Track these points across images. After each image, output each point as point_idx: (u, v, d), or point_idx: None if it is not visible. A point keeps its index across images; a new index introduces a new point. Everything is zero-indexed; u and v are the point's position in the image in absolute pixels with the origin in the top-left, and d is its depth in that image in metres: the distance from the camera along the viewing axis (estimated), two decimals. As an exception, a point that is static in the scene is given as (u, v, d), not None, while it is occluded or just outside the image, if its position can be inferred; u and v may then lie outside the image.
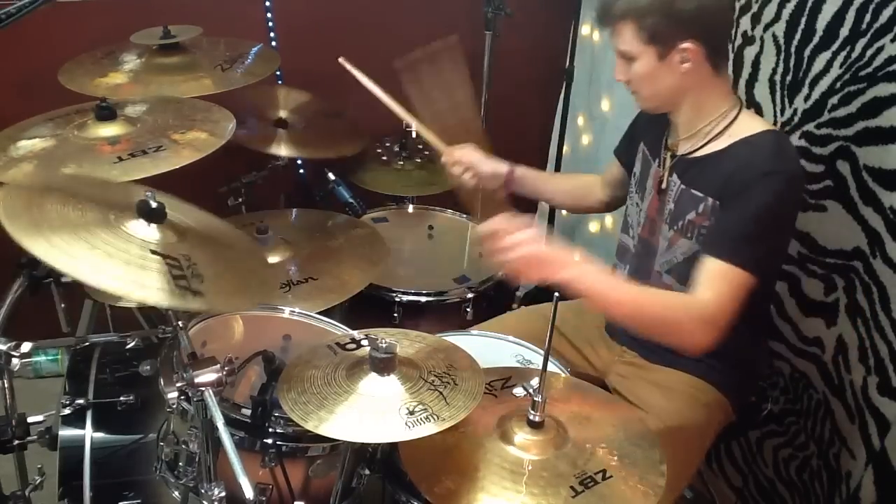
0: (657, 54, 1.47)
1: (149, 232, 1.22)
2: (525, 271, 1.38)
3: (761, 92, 1.93)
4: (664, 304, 1.47)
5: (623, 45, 1.50)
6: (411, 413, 1.21)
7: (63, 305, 1.89)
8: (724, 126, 1.54)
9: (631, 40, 1.48)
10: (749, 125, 1.53)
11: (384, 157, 2.48)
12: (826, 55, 1.74)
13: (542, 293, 2.61)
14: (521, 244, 1.37)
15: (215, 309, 1.13)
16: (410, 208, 2.43)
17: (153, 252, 1.18)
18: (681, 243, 1.59)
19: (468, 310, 2.07)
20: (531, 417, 1.28)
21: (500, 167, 1.93)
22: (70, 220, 1.17)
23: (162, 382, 1.22)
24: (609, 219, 2.67)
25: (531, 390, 1.27)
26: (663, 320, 1.44)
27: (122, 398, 1.64)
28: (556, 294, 1.25)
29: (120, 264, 1.13)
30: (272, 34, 2.49)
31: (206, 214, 1.42)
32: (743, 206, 1.44)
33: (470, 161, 1.92)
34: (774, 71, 1.89)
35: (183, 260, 1.19)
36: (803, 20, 1.79)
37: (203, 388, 1.21)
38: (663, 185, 1.64)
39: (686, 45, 1.45)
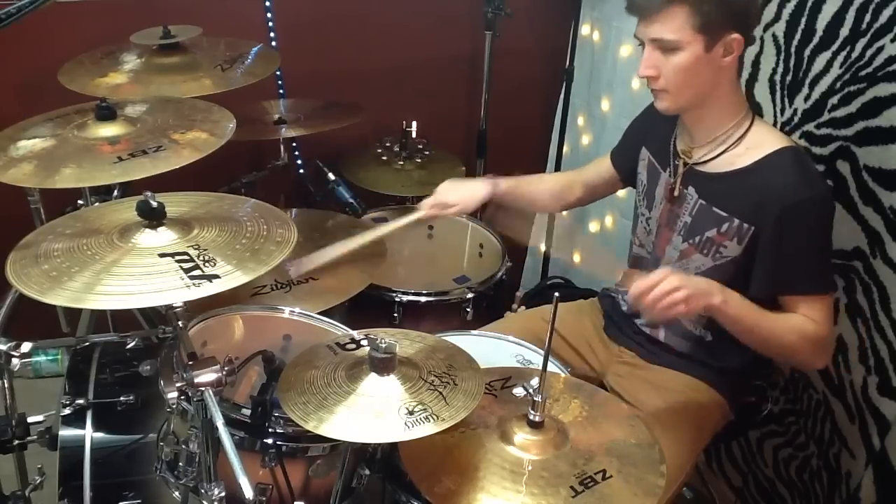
0: (704, 44, 1.41)
1: (158, 237, 1.24)
2: (685, 310, 1.39)
3: (761, 92, 1.93)
4: (787, 330, 1.49)
5: (668, 34, 1.41)
6: (411, 413, 1.21)
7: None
8: (740, 135, 1.51)
9: (680, 27, 1.39)
10: (766, 138, 1.51)
11: (384, 157, 2.48)
12: (826, 55, 1.74)
13: (542, 293, 2.62)
14: (674, 290, 1.37)
15: (232, 285, 1.17)
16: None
17: (161, 255, 1.19)
18: (696, 257, 1.58)
19: (468, 310, 2.07)
20: (531, 417, 1.28)
21: (479, 192, 1.84)
22: (80, 259, 1.19)
23: (162, 382, 1.22)
24: (609, 218, 2.67)
25: (531, 390, 1.27)
26: (786, 346, 1.49)
27: (122, 398, 1.64)
28: (556, 294, 1.25)
29: (144, 278, 1.16)
30: (272, 34, 2.49)
31: (199, 194, 1.42)
32: (803, 239, 1.45)
33: (449, 203, 1.85)
34: (774, 71, 1.89)
35: (192, 251, 1.21)
36: (803, 20, 1.79)
37: (203, 388, 1.21)
38: (675, 194, 1.61)
39: (733, 35, 1.41)
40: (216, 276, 1.16)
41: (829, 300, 1.50)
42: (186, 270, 1.16)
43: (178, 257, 1.19)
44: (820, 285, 1.49)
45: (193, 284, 1.14)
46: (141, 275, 1.16)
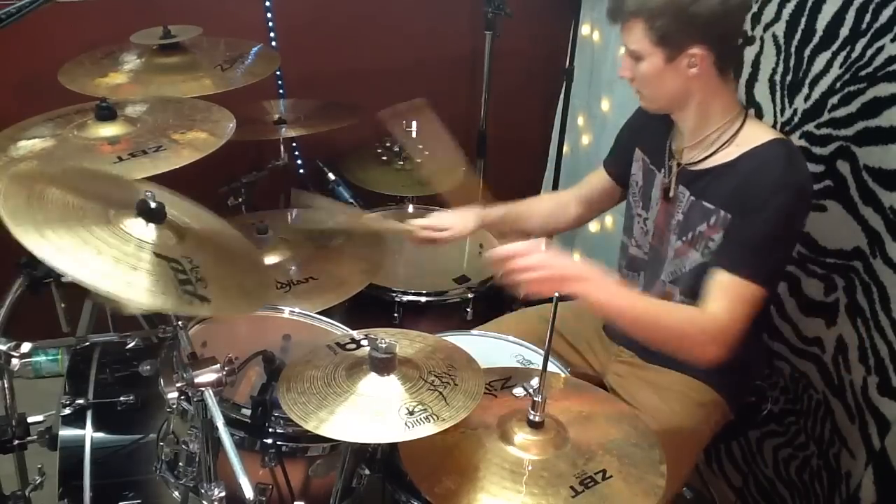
0: (665, 56, 1.45)
1: (146, 231, 1.22)
2: (540, 289, 1.39)
3: (761, 92, 1.93)
4: (674, 317, 1.48)
5: (631, 44, 1.48)
6: (411, 413, 1.21)
7: (63, 305, 1.88)
8: (731, 135, 1.52)
9: (640, 39, 1.45)
10: (756, 134, 1.51)
11: (384, 157, 2.48)
12: (826, 55, 1.74)
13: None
14: (533, 266, 1.39)
15: (220, 314, 1.13)
16: (410, 208, 2.43)
17: (157, 255, 1.18)
18: (690, 255, 1.58)
19: (468, 310, 2.07)
20: (531, 417, 1.28)
21: (470, 222, 1.87)
22: (68, 214, 1.16)
23: (162, 382, 1.22)
24: (609, 218, 2.67)
25: (531, 390, 1.27)
26: (673, 333, 1.46)
27: (122, 398, 1.64)
28: (556, 294, 1.25)
29: (110, 262, 1.12)
30: (272, 34, 2.49)
31: (204, 211, 1.41)
32: (755, 220, 1.44)
33: (443, 227, 1.86)
34: (774, 71, 1.89)
35: (185, 262, 1.19)
36: (803, 20, 1.79)
37: (203, 388, 1.21)
38: (670, 194, 1.62)
39: (695, 50, 1.43)
40: (206, 299, 1.14)
41: (750, 289, 1.43)
42: (181, 282, 1.14)
43: (172, 264, 1.17)
44: (745, 267, 1.43)
45: (186, 300, 1.12)
46: (109, 254, 1.13)
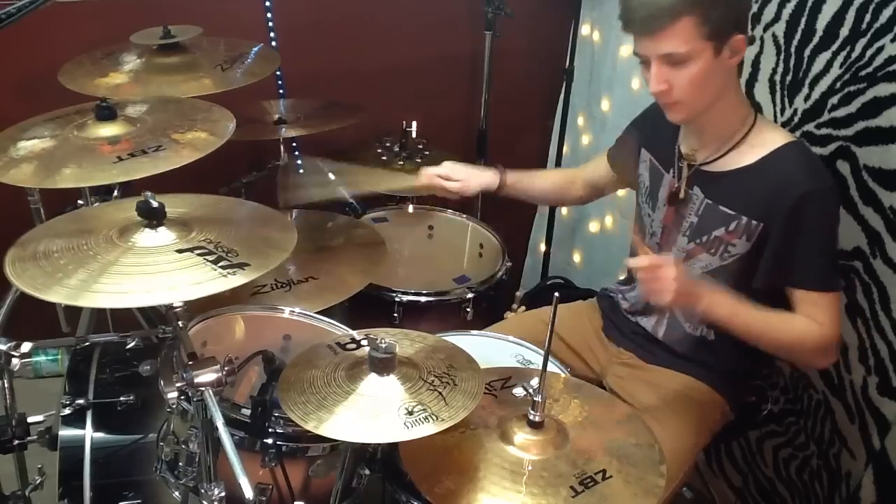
0: (713, 50, 1.39)
1: (157, 237, 1.24)
2: (675, 301, 1.43)
3: (761, 92, 1.93)
4: (789, 331, 1.49)
5: (679, 47, 1.37)
6: (410, 413, 1.21)
7: (63, 305, 1.89)
8: (743, 134, 1.52)
9: (690, 39, 1.36)
10: (769, 135, 1.51)
11: (384, 157, 2.48)
12: (826, 55, 1.74)
13: (541, 293, 2.62)
14: (671, 279, 1.41)
15: (267, 270, 1.20)
16: (410, 208, 2.43)
17: (179, 251, 1.20)
18: (702, 257, 1.58)
19: (468, 310, 2.07)
20: (531, 417, 1.28)
21: (485, 176, 1.92)
22: (81, 257, 1.19)
23: (162, 382, 1.22)
24: (609, 218, 2.67)
25: (531, 390, 1.27)
26: (787, 347, 1.53)
27: (122, 398, 1.64)
28: (556, 294, 1.25)
29: (145, 278, 1.16)
30: (272, 34, 2.49)
31: (181, 196, 1.42)
32: (808, 231, 1.45)
33: (454, 177, 1.91)
34: (774, 71, 1.89)
35: (207, 244, 1.21)
36: (803, 20, 1.79)
37: (203, 388, 1.21)
38: (681, 196, 1.61)
39: (738, 36, 1.40)
40: (247, 264, 1.17)
41: (834, 298, 1.49)
42: (214, 262, 1.17)
43: (197, 251, 1.20)
44: (822, 283, 1.48)
45: (230, 273, 1.15)
46: (173, 270, 1.17)
